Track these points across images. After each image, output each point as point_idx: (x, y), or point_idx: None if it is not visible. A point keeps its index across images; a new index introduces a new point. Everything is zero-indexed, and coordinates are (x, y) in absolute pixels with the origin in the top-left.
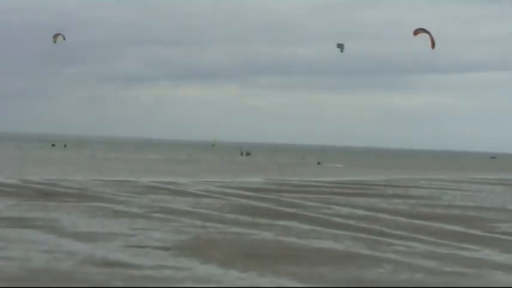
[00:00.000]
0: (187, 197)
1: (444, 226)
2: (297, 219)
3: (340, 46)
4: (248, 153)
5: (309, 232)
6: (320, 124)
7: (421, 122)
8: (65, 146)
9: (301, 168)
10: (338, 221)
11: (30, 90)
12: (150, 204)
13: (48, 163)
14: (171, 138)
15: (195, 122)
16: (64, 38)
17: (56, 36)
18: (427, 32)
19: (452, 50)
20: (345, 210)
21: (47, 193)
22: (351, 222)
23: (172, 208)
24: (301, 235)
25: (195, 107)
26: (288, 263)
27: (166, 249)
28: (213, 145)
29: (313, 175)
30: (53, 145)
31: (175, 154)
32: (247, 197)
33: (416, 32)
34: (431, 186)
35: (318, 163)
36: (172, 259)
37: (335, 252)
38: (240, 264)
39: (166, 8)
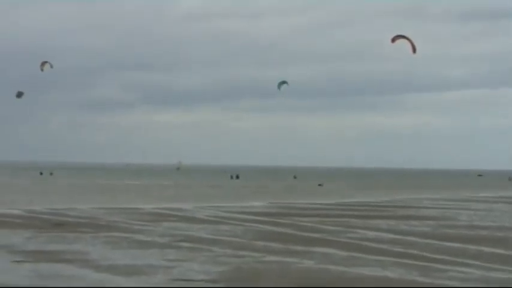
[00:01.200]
0: (202, 224)
1: (482, 248)
2: (329, 245)
3: (280, 84)
4: (238, 177)
5: (351, 259)
6: (302, 145)
7: (403, 141)
8: (51, 173)
9: (302, 190)
10: (372, 246)
11: (9, 117)
12: (170, 233)
13: (44, 192)
14: (152, 162)
15: (176, 146)
16: (51, 66)
17: (43, 64)
18: (406, 38)
19: (433, 69)
20: (370, 234)
21: (58, 223)
22: (385, 246)
23: (195, 236)
24: (345, 263)
25: (175, 131)
26: None
27: (214, 281)
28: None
29: (316, 197)
30: (41, 173)
31: (173, 179)
32: (262, 222)
33: (394, 39)
34: (438, 206)
35: (319, 185)
36: None
37: (393, 281)
38: None
39: (144, 33)
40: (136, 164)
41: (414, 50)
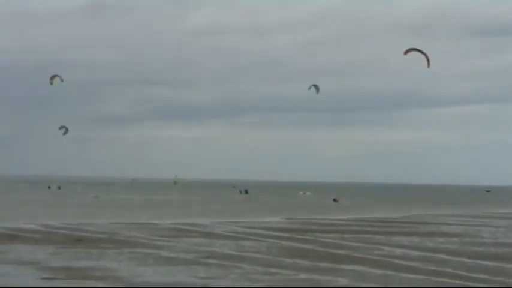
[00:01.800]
0: (224, 240)
1: None
2: (358, 263)
3: (316, 87)
4: (246, 191)
5: (386, 277)
6: (307, 161)
7: (411, 156)
8: (59, 188)
9: (317, 205)
10: (403, 264)
11: (16, 132)
12: (194, 249)
13: (57, 206)
14: (157, 177)
15: (181, 161)
16: (62, 80)
17: (53, 77)
18: (420, 51)
19: (441, 84)
20: (397, 251)
21: (78, 239)
22: (415, 264)
23: (220, 253)
24: (380, 281)
25: (180, 146)
26: None
27: None
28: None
29: (333, 213)
30: (49, 187)
31: (182, 194)
32: (283, 238)
33: (406, 52)
34: (458, 222)
35: (334, 200)
36: None
37: None
38: None
39: (151, 48)
40: (140, 178)
41: (428, 64)
